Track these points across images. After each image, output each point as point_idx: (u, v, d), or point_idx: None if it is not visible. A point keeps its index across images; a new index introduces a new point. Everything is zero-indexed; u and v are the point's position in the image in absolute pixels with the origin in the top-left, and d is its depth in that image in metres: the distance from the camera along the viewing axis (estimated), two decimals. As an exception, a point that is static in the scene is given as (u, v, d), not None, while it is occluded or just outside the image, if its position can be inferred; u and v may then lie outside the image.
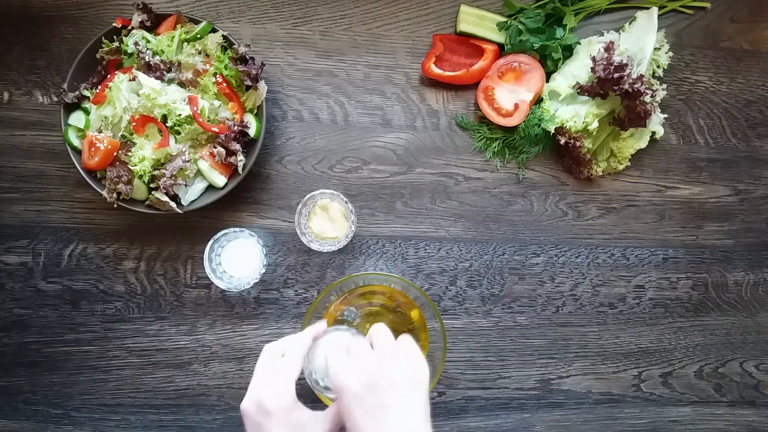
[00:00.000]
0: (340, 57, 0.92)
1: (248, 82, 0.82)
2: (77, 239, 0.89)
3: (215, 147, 0.82)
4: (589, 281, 0.93)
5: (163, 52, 0.83)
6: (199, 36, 0.83)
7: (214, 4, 0.91)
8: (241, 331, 0.89)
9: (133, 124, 0.81)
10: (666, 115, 0.91)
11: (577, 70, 0.88)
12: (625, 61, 0.82)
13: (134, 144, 0.82)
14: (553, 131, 0.89)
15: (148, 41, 0.83)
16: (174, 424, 0.89)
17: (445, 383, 0.90)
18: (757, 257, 0.96)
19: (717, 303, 0.95)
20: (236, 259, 0.86)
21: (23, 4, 0.89)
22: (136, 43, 0.82)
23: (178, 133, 0.82)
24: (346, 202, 0.85)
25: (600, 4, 0.92)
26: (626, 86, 0.81)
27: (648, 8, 0.90)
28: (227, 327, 0.89)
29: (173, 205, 0.81)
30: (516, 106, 0.89)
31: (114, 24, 0.83)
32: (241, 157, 0.82)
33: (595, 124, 0.86)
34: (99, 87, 0.83)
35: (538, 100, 0.91)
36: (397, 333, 0.63)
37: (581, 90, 0.86)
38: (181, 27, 0.84)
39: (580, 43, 0.90)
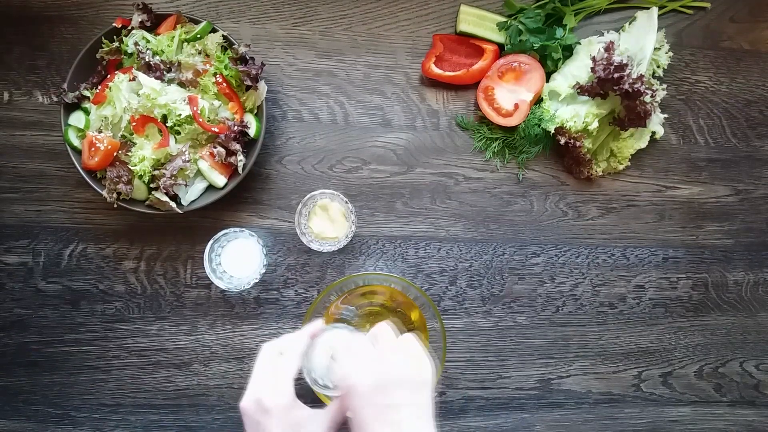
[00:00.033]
0: (340, 57, 0.92)
1: (248, 82, 0.82)
2: (77, 239, 0.89)
3: (215, 147, 0.82)
4: (589, 281, 0.93)
5: (163, 52, 0.83)
6: (199, 36, 0.83)
7: (214, 4, 0.91)
8: (241, 331, 0.89)
9: (133, 124, 0.81)
10: (666, 115, 0.91)
11: (577, 70, 0.88)
12: (625, 61, 0.82)
13: (134, 144, 0.82)
14: (553, 131, 0.89)
15: (148, 41, 0.83)
16: (174, 424, 0.89)
17: (445, 383, 0.90)
18: (757, 257, 0.96)
19: (717, 303, 0.95)
20: (236, 259, 0.86)
21: (23, 4, 0.89)
22: (136, 43, 0.82)
23: (178, 133, 0.82)
24: (346, 202, 0.85)
25: (600, 4, 0.92)
26: (626, 86, 0.81)
27: (648, 8, 0.90)
28: (227, 327, 0.89)
29: (173, 205, 0.81)
30: (516, 106, 0.89)
31: (114, 24, 0.83)
32: (241, 157, 0.82)
33: (595, 124, 0.86)
34: (99, 87, 0.83)
35: (538, 100, 0.91)
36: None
37: (581, 90, 0.86)
38: (181, 27, 0.84)
39: (580, 43, 0.90)
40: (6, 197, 0.89)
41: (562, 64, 0.90)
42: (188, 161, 0.81)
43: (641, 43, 0.86)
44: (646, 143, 0.91)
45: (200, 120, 0.80)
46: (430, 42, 0.92)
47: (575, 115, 0.87)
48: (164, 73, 0.82)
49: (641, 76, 0.82)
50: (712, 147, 0.95)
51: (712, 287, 0.95)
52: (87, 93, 0.83)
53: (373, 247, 0.91)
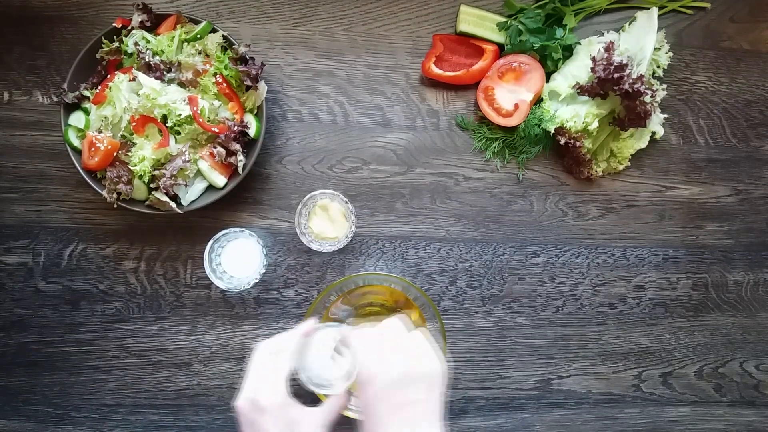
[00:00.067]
0: (340, 57, 0.92)
1: (248, 82, 0.82)
2: (77, 239, 0.89)
3: (215, 147, 0.82)
4: (589, 281, 0.93)
5: (163, 52, 0.83)
6: (199, 36, 0.83)
7: (214, 4, 0.91)
8: (241, 331, 0.89)
9: (133, 124, 0.81)
10: (666, 115, 0.91)
11: (577, 70, 0.88)
12: (625, 61, 0.82)
13: (134, 144, 0.82)
14: (553, 131, 0.89)
15: (148, 41, 0.83)
16: (174, 424, 0.89)
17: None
18: (757, 257, 0.96)
19: (717, 303, 0.95)
20: (236, 259, 0.86)
21: (23, 4, 0.89)
22: (136, 43, 0.82)
23: (178, 133, 0.82)
24: (346, 202, 0.85)
25: (600, 4, 0.92)
26: (626, 86, 0.81)
27: (648, 8, 0.90)
28: (227, 327, 0.89)
29: (173, 205, 0.81)
30: (516, 106, 0.89)
31: (114, 24, 0.83)
32: (241, 157, 0.82)
33: (595, 124, 0.86)
34: (99, 87, 0.83)
35: (538, 100, 0.91)
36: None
37: (581, 90, 0.86)
38: (181, 27, 0.84)
39: (580, 43, 0.90)
40: (6, 197, 0.89)
41: (562, 64, 0.90)
42: (188, 161, 0.81)
43: (641, 43, 0.86)
44: (646, 143, 0.91)
45: (200, 120, 0.80)
46: (430, 42, 0.92)
47: (575, 115, 0.87)
48: (164, 73, 0.82)
49: (641, 76, 0.82)
50: (712, 147, 0.95)
51: (712, 287, 0.95)
52: (87, 93, 0.83)
53: (373, 247, 0.91)
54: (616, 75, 0.82)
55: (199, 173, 0.83)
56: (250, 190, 0.90)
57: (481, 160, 0.92)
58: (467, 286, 0.91)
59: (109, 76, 0.83)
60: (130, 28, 0.83)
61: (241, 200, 0.90)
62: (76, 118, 0.83)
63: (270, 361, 0.62)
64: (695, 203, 0.95)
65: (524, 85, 0.90)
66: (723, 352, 0.95)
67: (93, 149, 0.80)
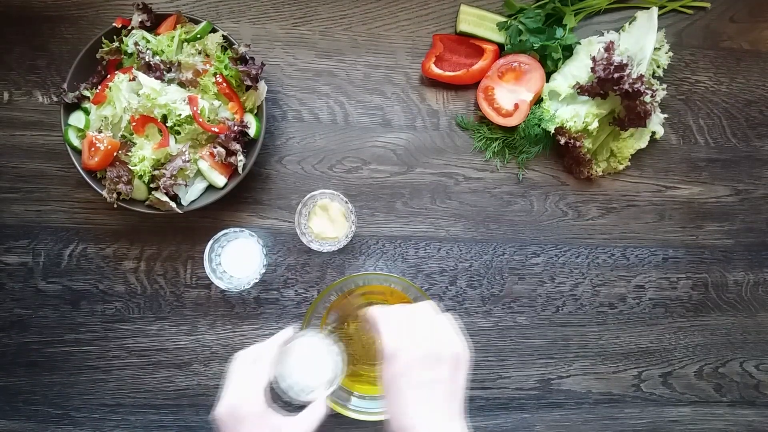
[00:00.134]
0: (340, 57, 0.92)
1: (248, 82, 0.82)
2: (77, 239, 0.89)
3: (215, 147, 0.82)
4: (589, 281, 0.93)
5: (163, 52, 0.83)
6: (199, 36, 0.83)
7: (214, 4, 0.91)
8: (241, 331, 0.89)
9: (133, 124, 0.81)
10: (666, 115, 0.91)
11: (577, 70, 0.88)
12: (625, 61, 0.82)
13: (134, 144, 0.82)
14: (553, 131, 0.89)
15: (148, 41, 0.83)
16: (174, 424, 0.89)
17: (445, 383, 0.90)
18: (757, 257, 0.96)
19: (717, 303, 0.95)
20: (236, 259, 0.86)
21: (23, 4, 0.89)
22: (136, 43, 0.82)
23: (178, 133, 0.82)
24: (346, 202, 0.85)
25: (600, 4, 0.92)
26: (626, 86, 0.81)
27: (648, 8, 0.90)
28: (227, 327, 0.89)
29: (173, 205, 0.81)
30: (516, 106, 0.89)
31: (114, 24, 0.83)
32: (241, 157, 0.82)
33: (595, 124, 0.86)
34: (99, 87, 0.83)
35: (538, 100, 0.91)
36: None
37: (581, 90, 0.86)
38: (181, 27, 0.84)
39: (580, 43, 0.90)
40: (6, 197, 0.89)
41: (562, 64, 0.90)
42: (188, 161, 0.81)
43: (641, 43, 0.86)
44: (646, 143, 0.91)
45: (200, 120, 0.80)
46: (430, 42, 0.92)
47: (575, 115, 0.87)
48: (164, 73, 0.82)
49: (641, 76, 0.82)
50: (712, 147, 0.95)
51: (712, 287, 0.95)
52: (87, 93, 0.83)
53: (373, 247, 0.91)
54: (616, 75, 0.82)
55: (199, 173, 0.83)
56: (250, 190, 0.90)
57: (481, 160, 0.92)
58: (467, 286, 0.91)
59: (109, 76, 0.83)
60: (130, 28, 0.83)
61: (241, 200, 0.90)
62: (76, 118, 0.83)
63: (249, 370, 0.62)
64: (695, 203, 0.95)
65: (524, 85, 0.90)
66: (723, 352, 0.95)
67: (93, 149, 0.80)
